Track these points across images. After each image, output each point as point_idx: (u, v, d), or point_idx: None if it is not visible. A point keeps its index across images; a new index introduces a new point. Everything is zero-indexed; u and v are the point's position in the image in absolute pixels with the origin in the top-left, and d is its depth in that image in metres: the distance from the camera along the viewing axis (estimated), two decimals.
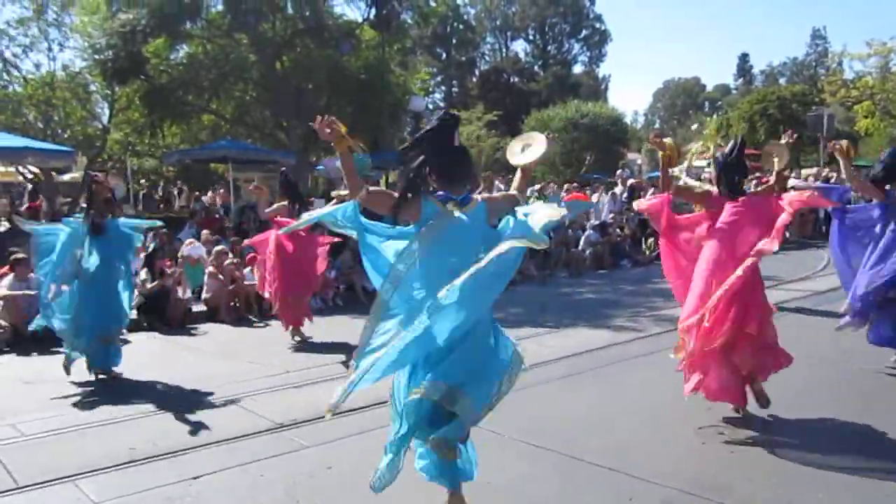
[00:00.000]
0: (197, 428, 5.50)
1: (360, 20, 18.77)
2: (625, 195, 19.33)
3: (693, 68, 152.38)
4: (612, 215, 17.40)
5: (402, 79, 20.07)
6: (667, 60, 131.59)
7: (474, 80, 57.61)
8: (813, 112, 25.34)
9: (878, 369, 6.61)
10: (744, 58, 77.13)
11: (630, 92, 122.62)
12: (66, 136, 22.75)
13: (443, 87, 57.09)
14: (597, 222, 16.67)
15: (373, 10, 18.18)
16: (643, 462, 4.56)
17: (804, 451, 4.75)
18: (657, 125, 79.15)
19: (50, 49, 23.30)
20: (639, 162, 42.91)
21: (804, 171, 24.55)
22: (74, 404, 6.28)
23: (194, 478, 4.50)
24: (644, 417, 5.55)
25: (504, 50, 62.39)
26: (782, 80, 63.26)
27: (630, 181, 20.76)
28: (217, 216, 16.63)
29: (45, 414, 5.92)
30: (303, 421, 5.57)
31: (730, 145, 5.58)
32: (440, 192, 3.59)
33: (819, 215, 19.21)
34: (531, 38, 62.40)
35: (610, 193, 18.72)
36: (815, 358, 6.78)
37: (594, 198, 18.68)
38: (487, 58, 62.48)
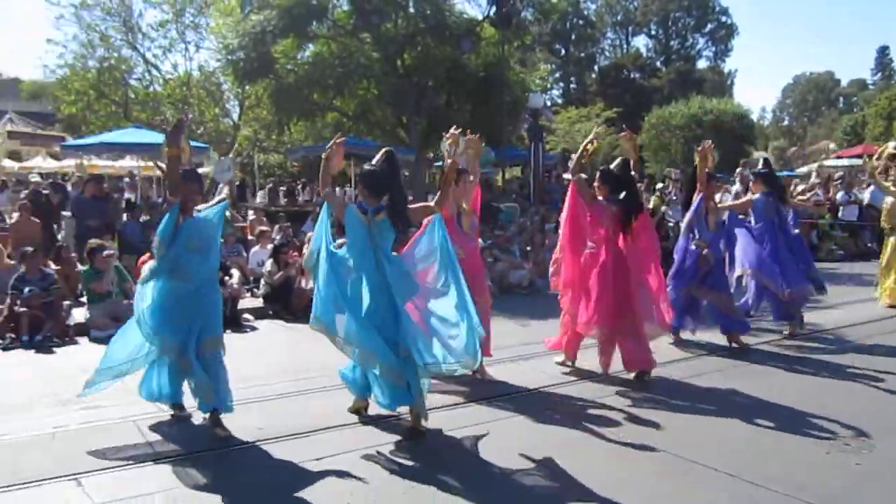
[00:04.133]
0: (315, 411, 5.74)
1: (480, 18, 18.91)
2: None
3: (826, 62, 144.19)
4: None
5: (521, 76, 20.05)
6: (797, 54, 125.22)
7: (593, 76, 56.87)
8: None
9: None
10: (882, 51, 72.57)
11: (757, 88, 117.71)
12: (199, 132, 23.97)
13: (561, 84, 56.67)
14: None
15: (493, 8, 18.28)
16: (758, 467, 4.46)
17: None
18: (786, 122, 75.82)
19: (187, 50, 24.62)
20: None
21: None
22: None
23: (318, 459, 4.72)
24: (759, 424, 5.40)
25: (625, 45, 61.30)
26: None
27: (750, 179, 19.95)
28: None
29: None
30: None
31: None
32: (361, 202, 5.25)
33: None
34: (653, 33, 61.03)
35: (734, 192, 18.07)
36: None
37: (717, 197, 18.06)
38: (607, 53, 61.55)
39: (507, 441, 5.06)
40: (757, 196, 8.76)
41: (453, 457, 4.82)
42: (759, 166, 9.32)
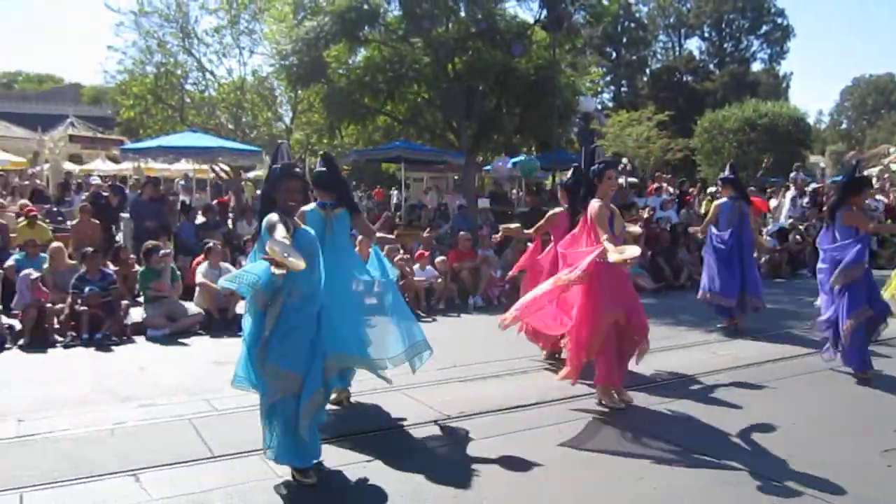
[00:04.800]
0: (371, 414, 5.79)
1: (531, 21, 18.84)
2: (805, 200, 18.27)
3: (887, 64, 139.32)
4: (791, 221, 16.48)
5: (572, 79, 19.94)
6: (857, 56, 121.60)
7: (645, 79, 56.19)
8: None
9: None
10: None
11: (814, 90, 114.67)
12: (253, 135, 24.29)
13: (612, 87, 56.08)
14: (775, 228, 15.85)
15: (544, 11, 18.20)
16: (816, 479, 4.36)
17: None
18: (844, 125, 73.95)
19: (241, 55, 24.95)
20: (822, 165, 40.37)
21: None
22: None
23: (368, 461, 4.75)
24: (821, 434, 5.28)
25: (677, 48, 60.45)
26: None
27: (812, 185, 19.56)
28: (388, 214, 17.27)
29: (236, 391, 6.38)
30: (470, 413, 5.73)
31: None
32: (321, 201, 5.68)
33: None
34: (706, 35, 60.03)
35: (790, 199, 17.72)
36: None
37: (772, 203, 17.77)
38: (659, 56, 60.76)
39: (559, 447, 5.04)
40: (724, 200, 9.09)
41: (504, 462, 4.79)
42: (726, 171, 9.49)
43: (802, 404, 6.01)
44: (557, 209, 7.41)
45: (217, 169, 21.72)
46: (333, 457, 4.83)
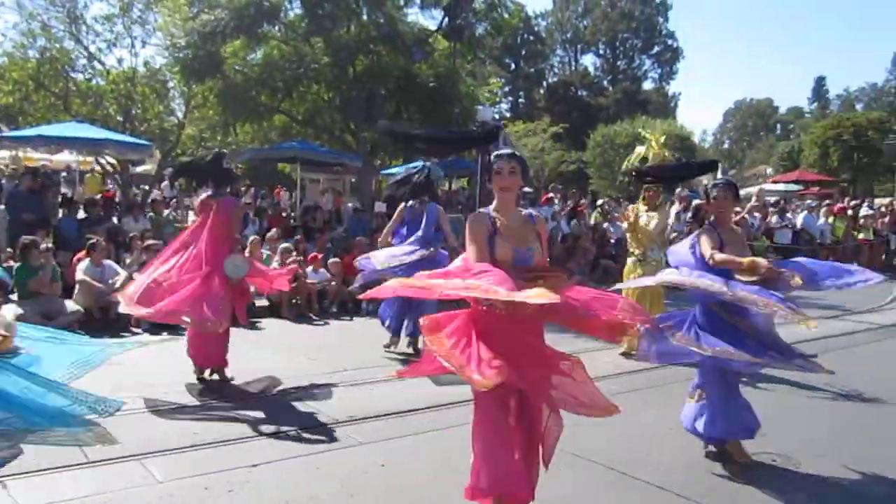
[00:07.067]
0: (257, 419, 5.69)
1: (433, 29, 19.01)
2: (688, 215, 19.04)
3: (766, 89, 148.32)
4: (674, 235, 17.17)
5: (471, 88, 20.22)
6: (739, 80, 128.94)
7: (541, 91, 57.57)
8: (891, 140, 24.58)
9: None
10: (820, 81, 75.04)
11: (700, 111, 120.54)
12: (143, 129, 23.41)
13: (510, 98, 57.20)
14: None
15: (446, 20, 18.41)
16: (699, 484, 4.55)
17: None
18: (726, 145, 77.78)
19: (133, 45, 23.99)
20: (705, 182, 42.12)
21: (878, 201, 23.94)
22: (143, 388, 6.48)
23: (254, 465, 4.67)
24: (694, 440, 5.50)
25: (573, 63, 62.21)
26: (859, 107, 61.50)
27: (696, 202, 20.40)
28: (283, 215, 17.03)
29: (116, 395, 6.14)
30: (360, 418, 5.71)
31: None
32: None
33: (890, 246, 18.77)
34: (601, 52, 62.10)
35: (675, 213, 18.46)
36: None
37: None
38: (556, 70, 62.39)
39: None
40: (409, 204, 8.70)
41: (387, 470, 4.80)
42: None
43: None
44: None
45: (103, 162, 20.83)
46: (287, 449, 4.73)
